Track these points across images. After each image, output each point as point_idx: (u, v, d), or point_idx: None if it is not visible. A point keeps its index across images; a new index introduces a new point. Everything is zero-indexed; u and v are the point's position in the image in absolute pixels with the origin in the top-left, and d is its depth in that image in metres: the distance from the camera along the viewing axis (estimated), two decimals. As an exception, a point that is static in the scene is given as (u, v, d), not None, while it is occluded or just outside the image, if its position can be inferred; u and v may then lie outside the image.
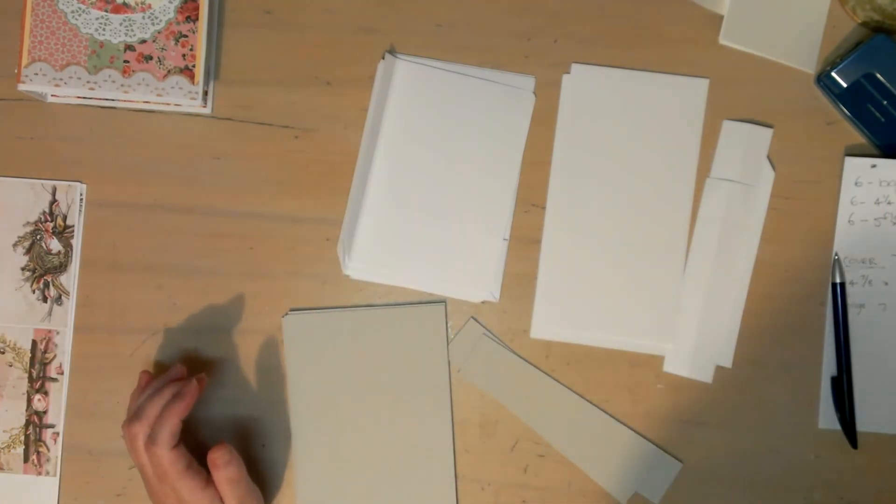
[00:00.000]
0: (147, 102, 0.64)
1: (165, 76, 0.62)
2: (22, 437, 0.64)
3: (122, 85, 0.62)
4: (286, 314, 0.64)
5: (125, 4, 0.62)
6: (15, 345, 0.65)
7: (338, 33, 0.65)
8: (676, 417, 0.63)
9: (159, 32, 0.63)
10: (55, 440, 0.64)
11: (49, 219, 0.65)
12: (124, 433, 0.57)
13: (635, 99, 0.64)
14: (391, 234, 0.63)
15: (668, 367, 0.63)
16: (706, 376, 0.63)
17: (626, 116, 0.64)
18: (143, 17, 0.62)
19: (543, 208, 0.64)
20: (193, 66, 0.63)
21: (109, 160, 0.65)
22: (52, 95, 0.65)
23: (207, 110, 0.65)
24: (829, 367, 0.63)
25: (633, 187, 0.64)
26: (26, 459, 0.64)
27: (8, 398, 0.65)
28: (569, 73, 0.65)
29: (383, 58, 0.65)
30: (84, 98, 0.65)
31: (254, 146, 0.65)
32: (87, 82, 0.62)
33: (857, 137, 0.64)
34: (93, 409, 0.64)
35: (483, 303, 0.64)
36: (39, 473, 0.64)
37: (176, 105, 0.65)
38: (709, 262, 0.63)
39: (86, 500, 0.64)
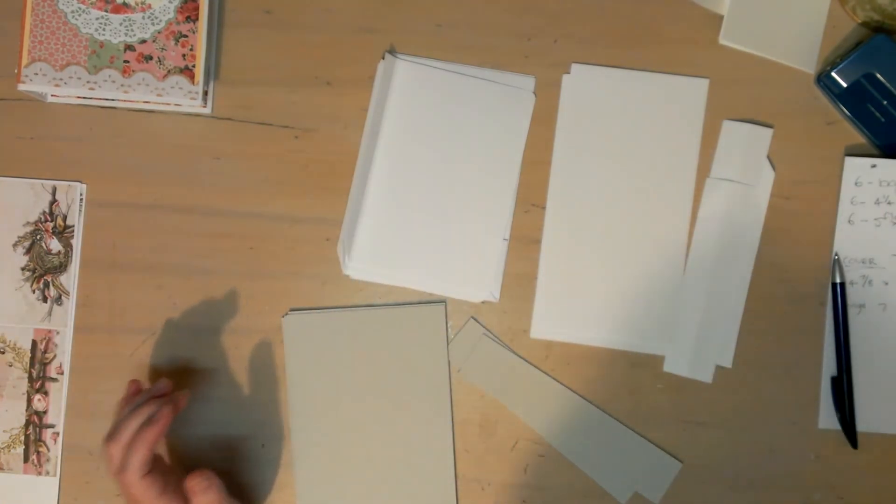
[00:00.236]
0: (147, 102, 0.64)
1: (165, 76, 0.62)
2: (22, 437, 0.64)
3: (122, 85, 0.62)
4: (286, 314, 0.64)
5: (125, 4, 0.62)
6: (15, 345, 0.65)
7: (338, 33, 0.65)
8: (676, 417, 0.63)
9: (159, 32, 0.63)
10: (55, 440, 0.64)
11: (49, 219, 0.65)
12: (102, 451, 0.56)
13: (635, 99, 0.64)
14: (391, 234, 0.63)
15: (668, 367, 0.63)
16: (706, 376, 0.63)
17: (626, 116, 0.64)
18: (143, 17, 0.62)
19: (543, 208, 0.64)
20: (193, 66, 0.63)
21: (109, 160, 0.65)
22: (52, 95, 0.65)
23: (207, 110, 0.65)
24: (829, 367, 0.63)
25: (633, 187, 0.64)
26: (26, 459, 0.64)
27: (8, 398, 0.65)
28: (569, 73, 0.65)
29: (383, 58, 0.65)
30: (84, 98, 0.65)
31: (254, 146, 0.65)
32: (87, 82, 0.62)
33: (857, 137, 0.64)
34: (93, 409, 0.64)
35: (483, 303, 0.64)
36: (39, 473, 0.64)
37: (176, 105, 0.65)
38: (709, 261, 0.63)
39: (86, 500, 0.64)
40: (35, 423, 0.64)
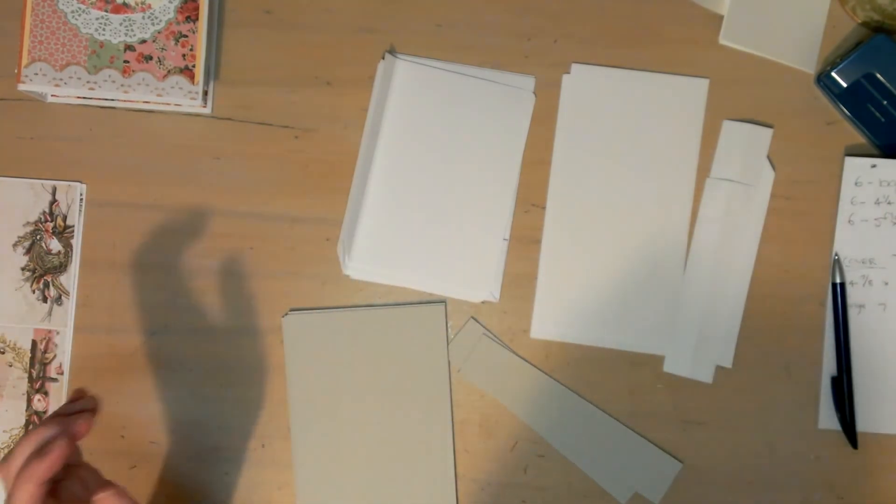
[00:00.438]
0: (147, 102, 0.64)
1: (165, 76, 0.62)
2: (22, 437, 0.64)
3: (122, 85, 0.62)
4: (286, 314, 0.64)
5: (125, 4, 0.62)
6: (15, 345, 0.65)
7: (338, 33, 0.65)
8: (676, 417, 0.63)
9: (159, 32, 0.63)
10: (55, 440, 0.64)
11: (49, 219, 0.65)
12: None
13: (635, 99, 0.64)
14: (391, 234, 0.63)
15: (668, 367, 0.63)
16: (706, 376, 0.63)
17: (626, 116, 0.64)
18: (143, 17, 0.62)
19: (543, 208, 0.64)
20: (193, 66, 0.63)
21: (109, 160, 0.65)
22: (52, 95, 0.65)
23: (207, 110, 0.65)
24: (829, 367, 0.63)
25: (634, 187, 0.64)
26: (26, 459, 0.64)
27: (8, 398, 0.65)
28: (569, 73, 0.65)
29: (383, 58, 0.65)
30: (84, 98, 0.65)
31: (254, 146, 0.65)
32: (87, 82, 0.62)
33: (857, 137, 0.64)
34: (93, 409, 0.64)
35: (483, 303, 0.64)
36: (39, 473, 0.64)
37: (176, 105, 0.65)
38: (709, 262, 0.63)
39: (86, 500, 0.64)
40: (35, 424, 0.64)
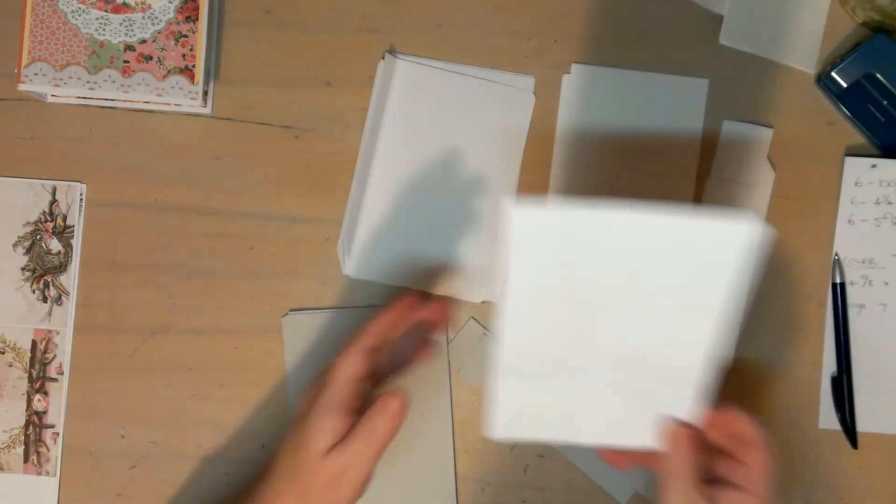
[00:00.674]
0: (147, 102, 0.64)
1: (165, 76, 0.62)
2: (22, 438, 0.64)
3: (122, 85, 0.62)
4: (286, 314, 0.64)
5: (125, 4, 0.62)
6: (15, 345, 0.65)
7: (338, 33, 0.65)
8: (676, 417, 0.63)
9: (159, 32, 0.63)
10: (55, 440, 0.64)
11: (49, 219, 0.65)
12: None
13: (635, 99, 0.64)
14: (391, 233, 0.63)
15: (668, 367, 0.63)
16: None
17: (626, 116, 0.64)
18: (143, 17, 0.62)
19: (543, 208, 0.64)
20: (193, 66, 0.63)
21: (109, 160, 0.65)
22: (52, 95, 0.65)
23: (207, 110, 0.65)
24: (829, 367, 0.63)
25: (634, 187, 0.64)
26: (26, 459, 0.64)
27: (8, 398, 0.65)
28: (569, 73, 0.65)
29: (383, 58, 0.65)
30: (84, 98, 0.65)
31: (254, 146, 0.65)
32: (87, 82, 0.62)
33: (857, 137, 0.64)
34: (93, 410, 0.64)
35: (483, 303, 0.64)
36: (39, 473, 0.64)
37: (176, 105, 0.65)
38: (709, 262, 0.63)
39: (86, 500, 0.64)
40: (35, 424, 0.64)
